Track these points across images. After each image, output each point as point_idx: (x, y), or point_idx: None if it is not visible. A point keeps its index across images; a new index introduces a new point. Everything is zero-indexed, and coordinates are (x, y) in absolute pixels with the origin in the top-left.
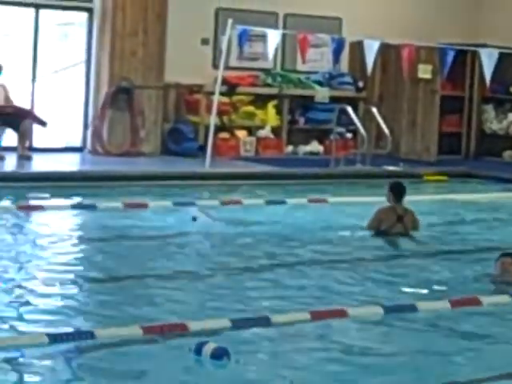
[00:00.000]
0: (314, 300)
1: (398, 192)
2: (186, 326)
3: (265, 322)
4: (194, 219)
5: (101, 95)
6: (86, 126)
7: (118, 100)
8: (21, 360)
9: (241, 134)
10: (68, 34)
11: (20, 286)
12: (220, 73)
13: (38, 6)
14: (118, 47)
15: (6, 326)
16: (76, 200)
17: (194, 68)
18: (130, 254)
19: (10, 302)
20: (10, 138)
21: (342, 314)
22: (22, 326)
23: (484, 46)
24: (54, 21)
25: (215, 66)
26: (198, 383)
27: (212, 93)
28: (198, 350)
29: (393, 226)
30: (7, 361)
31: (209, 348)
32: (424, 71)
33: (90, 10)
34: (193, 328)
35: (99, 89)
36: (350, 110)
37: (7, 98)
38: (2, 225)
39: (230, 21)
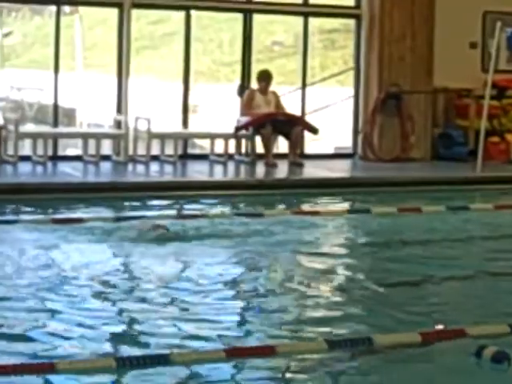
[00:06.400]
0: None
1: None
2: (464, 332)
3: None
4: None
5: (370, 101)
6: (356, 132)
7: (387, 106)
8: (298, 366)
9: (511, 137)
10: (335, 41)
11: (296, 289)
12: (490, 76)
13: (306, 14)
14: (386, 52)
15: (285, 333)
16: (349, 206)
17: (462, 72)
18: (404, 258)
19: (280, 307)
20: (282, 144)
21: None
22: (299, 333)
23: None
24: (321, 28)
25: (484, 70)
26: None
27: (481, 97)
28: (479, 353)
29: None
30: (286, 366)
31: (489, 351)
32: None
33: (357, 17)
34: (471, 333)
35: (368, 95)
36: None
37: (278, 105)
38: (271, 231)
39: (498, 24)
